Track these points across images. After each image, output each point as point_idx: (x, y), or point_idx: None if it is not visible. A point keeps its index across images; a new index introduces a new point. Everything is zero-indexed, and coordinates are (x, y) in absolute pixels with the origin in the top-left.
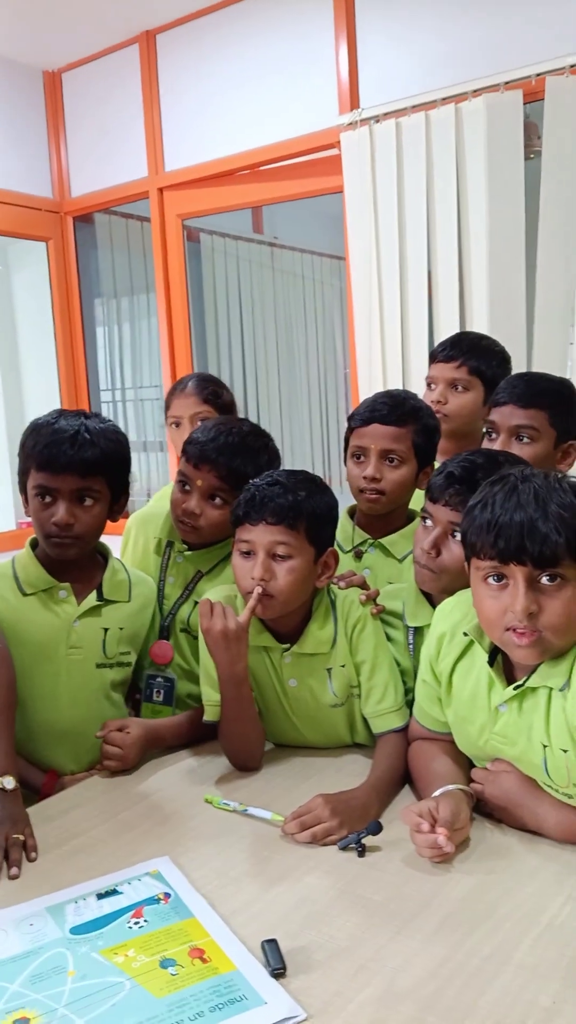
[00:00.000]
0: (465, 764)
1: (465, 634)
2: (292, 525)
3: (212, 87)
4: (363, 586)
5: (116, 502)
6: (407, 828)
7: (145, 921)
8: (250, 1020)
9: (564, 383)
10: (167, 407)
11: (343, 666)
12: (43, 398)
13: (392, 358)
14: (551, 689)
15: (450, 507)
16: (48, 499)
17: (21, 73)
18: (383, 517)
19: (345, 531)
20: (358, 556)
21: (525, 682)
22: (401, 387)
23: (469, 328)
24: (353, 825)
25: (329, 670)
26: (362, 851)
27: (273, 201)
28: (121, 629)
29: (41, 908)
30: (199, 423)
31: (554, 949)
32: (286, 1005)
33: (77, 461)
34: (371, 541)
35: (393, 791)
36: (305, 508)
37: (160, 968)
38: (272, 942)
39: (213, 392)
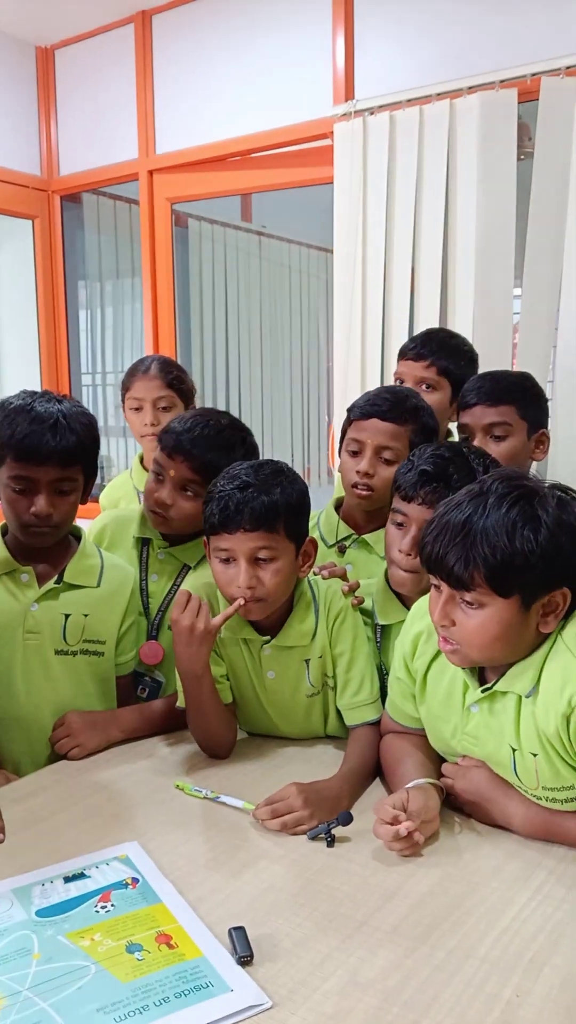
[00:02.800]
0: (435, 759)
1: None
2: (271, 528)
3: (206, 71)
4: (344, 577)
5: (87, 487)
6: (372, 821)
7: (112, 905)
8: (215, 1007)
9: (526, 376)
10: (126, 389)
11: (320, 656)
12: (23, 378)
13: (372, 353)
14: (519, 696)
15: (426, 505)
16: (25, 489)
17: (13, 47)
18: (369, 513)
19: (330, 524)
20: (341, 551)
21: (493, 685)
22: (380, 383)
23: (453, 327)
24: (324, 815)
25: (307, 661)
26: (331, 841)
27: (263, 189)
28: (86, 616)
29: (7, 890)
30: (161, 408)
31: (518, 943)
32: (252, 993)
33: (59, 452)
34: (355, 536)
35: (364, 783)
36: (281, 506)
37: (126, 953)
38: (240, 929)
39: (177, 377)
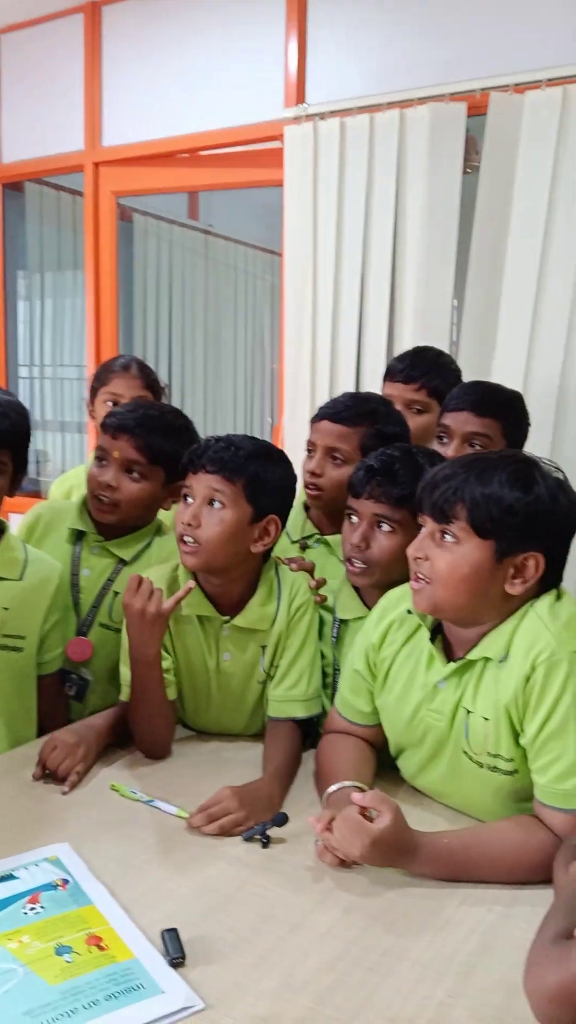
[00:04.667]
0: (370, 763)
1: (409, 612)
2: (230, 477)
3: (157, 66)
4: (311, 572)
5: (16, 477)
6: (308, 822)
7: (41, 907)
8: (146, 1009)
9: (516, 396)
10: (102, 383)
11: (276, 644)
12: None
13: (321, 357)
14: (488, 660)
15: (374, 499)
16: None
17: None
18: (330, 515)
19: (296, 522)
20: (303, 548)
21: (466, 656)
22: (329, 386)
23: (398, 335)
24: (259, 816)
25: (264, 647)
26: (267, 842)
27: (212, 187)
28: (6, 609)
29: None
30: None
31: (451, 946)
32: (183, 995)
33: None
34: (318, 536)
35: (291, 780)
36: (249, 467)
37: (55, 955)
38: (172, 931)
39: (155, 380)
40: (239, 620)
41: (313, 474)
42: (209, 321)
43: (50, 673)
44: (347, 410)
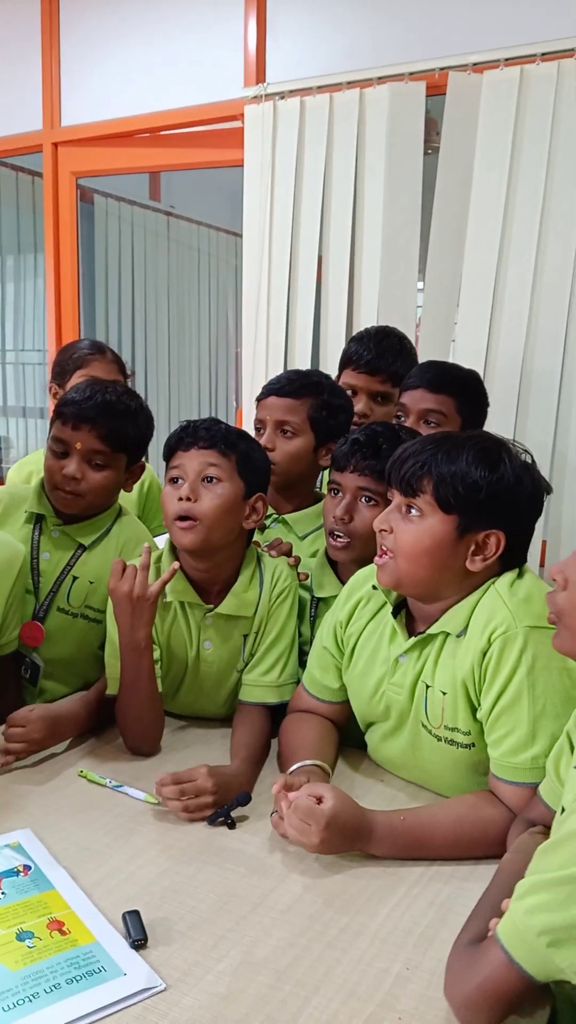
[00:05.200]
0: (333, 742)
1: (374, 587)
2: (223, 452)
3: (116, 44)
4: (288, 554)
5: None
6: (270, 802)
7: (3, 893)
8: (108, 991)
9: (473, 374)
10: (78, 366)
11: (256, 631)
12: None
13: (275, 339)
14: (447, 635)
15: (358, 472)
16: None
17: None
18: (289, 493)
19: None
20: (261, 529)
21: (426, 631)
22: (284, 367)
23: (358, 316)
24: (226, 801)
25: (245, 636)
26: (232, 824)
27: (172, 168)
28: None
29: None
30: None
31: (408, 919)
32: (144, 976)
33: None
34: (275, 516)
35: (261, 766)
36: (239, 444)
37: (16, 941)
38: (134, 913)
39: (124, 365)
40: (222, 608)
41: (266, 449)
42: (172, 304)
43: (6, 655)
44: (291, 384)
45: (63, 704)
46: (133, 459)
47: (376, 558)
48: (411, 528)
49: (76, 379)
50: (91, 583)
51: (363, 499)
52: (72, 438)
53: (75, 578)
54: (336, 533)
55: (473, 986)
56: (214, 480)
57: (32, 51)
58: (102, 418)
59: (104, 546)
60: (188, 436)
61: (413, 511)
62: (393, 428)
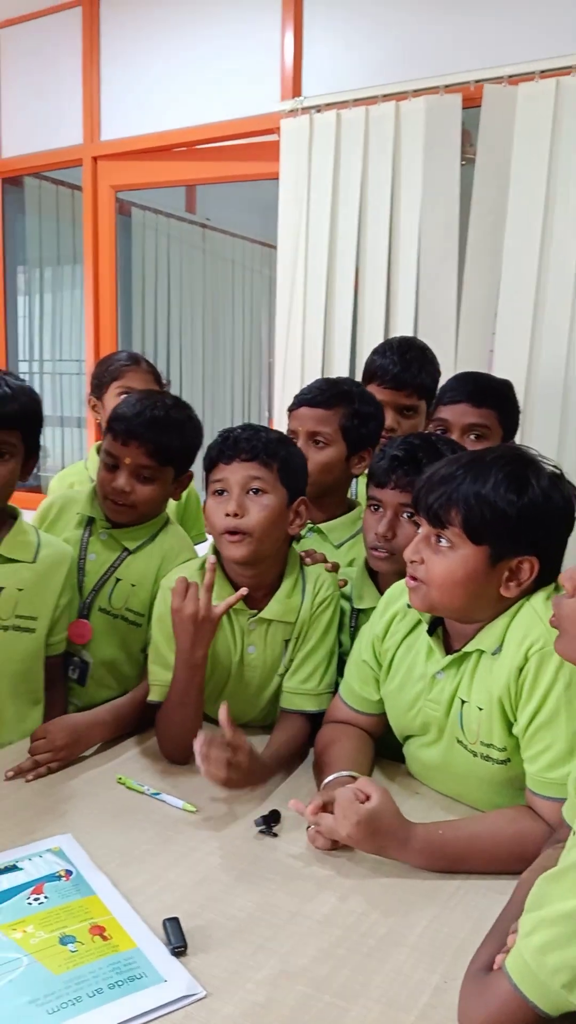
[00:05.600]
0: (368, 753)
1: (409, 606)
2: (266, 462)
3: (154, 60)
4: (324, 561)
5: (26, 463)
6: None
7: (45, 897)
8: (149, 997)
9: (508, 384)
10: (115, 377)
11: (297, 637)
12: None
13: (312, 350)
14: (483, 652)
15: (399, 489)
16: None
17: None
18: (322, 502)
19: None
20: (296, 539)
21: (461, 649)
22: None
23: (395, 327)
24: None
25: (287, 641)
26: (272, 832)
27: (209, 181)
28: (20, 590)
29: None
30: None
31: (446, 931)
32: (185, 983)
33: None
34: (311, 525)
35: (288, 768)
36: (279, 450)
37: (59, 945)
38: (174, 920)
39: (160, 375)
40: (266, 613)
41: None
42: (207, 314)
43: (55, 655)
44: (322, 394)
45: (86, 712)
46: (181, 469)
47: (407, 580)
48: (442, 560)
49: (113, 390)
50: (133, 586)
51: (405, 515)
52: (121, 453)
53: (118, 580)
54: (378, 548)
55: (483, 1017)
56: (259, 492)
57: (73, 67)
58: (150, 434)
59: (148, 551)
60: (229, 448)
61: (442, 542)
62: (431, 441)
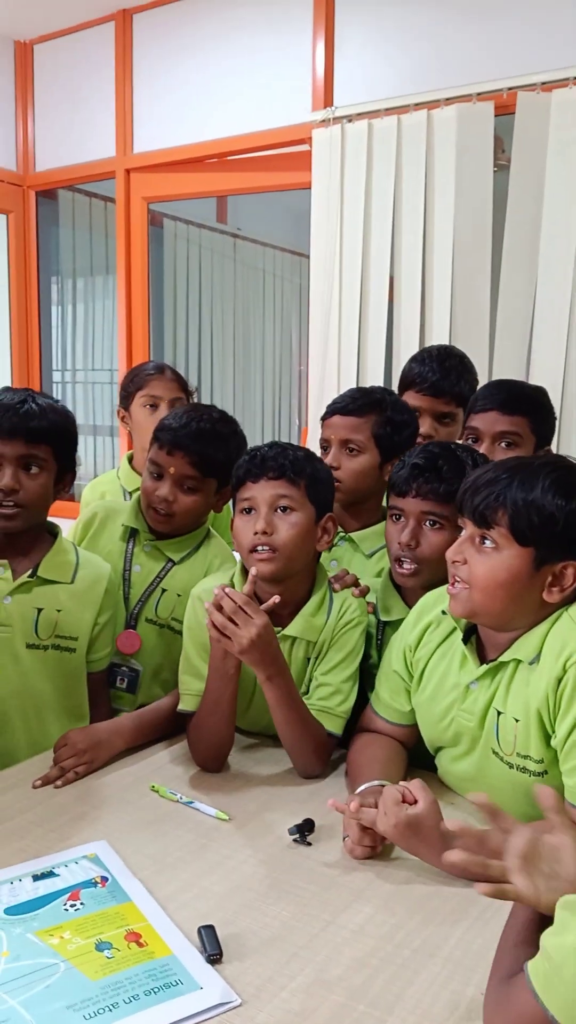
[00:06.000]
0: (401, 763)
1: (444, 612)
2: (293, 480)
3: (186, 72)
4: (356, 585)
5: (61, 479)
6: (341, 820)
7: (81, 904)
8: (185, 1004)
9: (541, 391)
10: (138, 387)
11: (317, 656)
12: None
13: (347, 359)
14: (519, 662)
15: (420, 497)
16: None
17: None
18: (356, 510)
19: None
20: (328, 548)
21: (499, 658)
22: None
23: (431, 336)
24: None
25: (309, 659)
26: (306, 840)
27: (240, 192)
28: (59, 611)
29: None
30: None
31: (480, 942)
32: (220, 990)
33: (23, 428)
34: (342, 534)
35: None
36: (306, 467)
37: (96, 951)
38: (209, 928)
39: (186, 383)
40: (290, 630)
41: (331, 467)
42: (238, 323)
43: (98, 672)
44: (355, 402)
45: (108, 721)
46: (224, 482)
47: (448, 587)
48: (486, 561)
49: (138, 400)
50: (178, 596)
51: (427, 523)
52: (166, 463)
53: (163, 590)
54: (403, 559)
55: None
56: (287, 509)
57: (106, 81)
58: (195, 445)
59: (192, 562)
60: (256, 466)
61: (487, 543)
62: (451, 449)
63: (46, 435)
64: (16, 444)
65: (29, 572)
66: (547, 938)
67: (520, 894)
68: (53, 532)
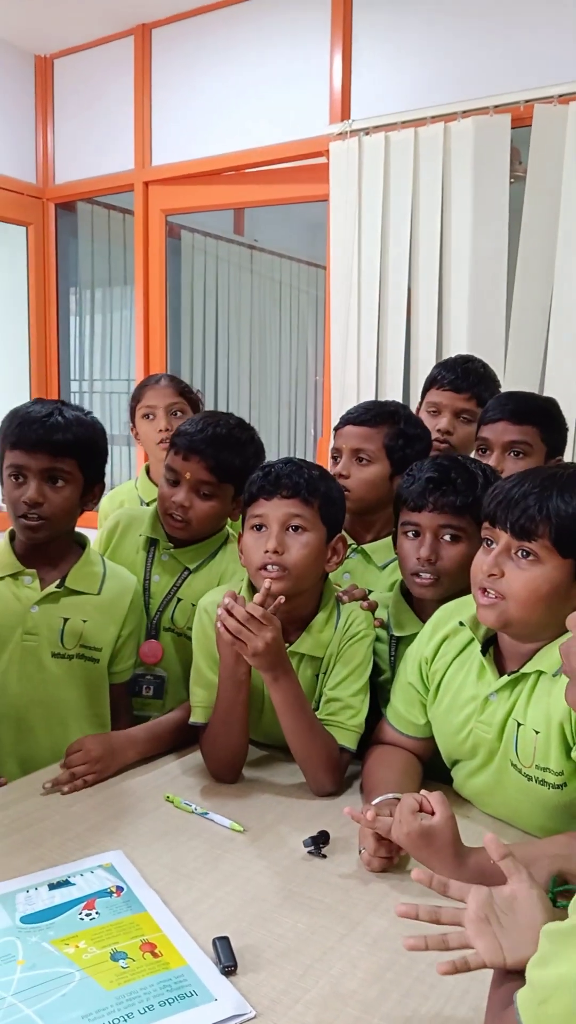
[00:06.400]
0: (416, 776)
1: (461, 623)
2: (307, 500)
3: (204, 86)
4: (364, 599)
5: (89, 491)
6: (356, 832)
7: (97, 913)
8: (199, 1016)
9: (551, 401)
10: (136, 400)
11: (325, 672)
12: (12, 385)
13: (366, 370)
14: (541, 673)
15: (437, 510)
16: (20, 479)
17: (12, 55)
18: (366, 521)
19: None
20: (336, 568)
21: (519, 670)
22: (375, 398)
23: (448, 347)
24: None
25: (318, 676)
26: (321, 853)
27: (258, 204)
28: (84, 621)
29: None
30: (173, 414)
31: None
32: (235, 1002)
33: (47, 441)
34: (354, 546)
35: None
36: (319, 486)
37: (111, 960)
38: (224, 939)
39: (186, 387)
40: (297, 646)
41: (340, 476)
42: (255, 334)
43: (120, 683)
44: (367, 412)
45: (122, 731)
46: (240, 489)
47: (480, 597)
48: (525, 574)
49: (139, 412)
50: (193, 605)
51: (445, 537)
52: (182, 468)
53: (179, 600)
54: (421, 572)
55: None
56: (299, 529)
57: (125, 95)
58: (210, 450)
59: (208, 570)
60: (270, 484)
61: (527, 555)
62: (459, 460)
63: (71, 448)
64: (41, 457)
65: (57, 583)
66: (531, 969)
67: (485, 960)
68: (81, 543)
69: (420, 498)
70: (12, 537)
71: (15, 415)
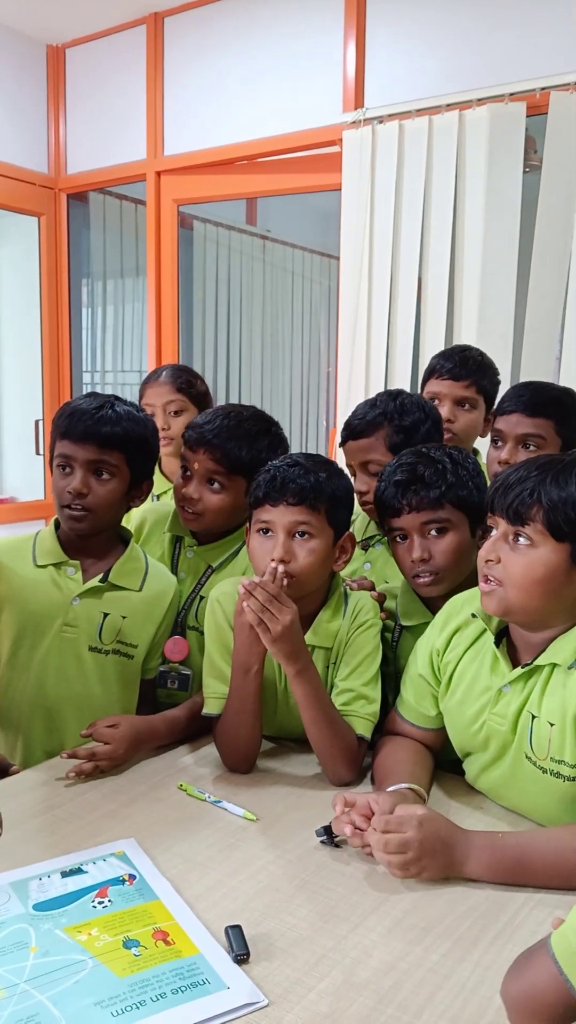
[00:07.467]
0: (428, 767)
1: (473, 615)
2: (313, 506)
3: (217, 75)
4: (371, 589)
5: (136, 487)
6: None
7: (109, 901)
8: (212, 1004)
9: (568, 392)
10: (140, 397)
11: (334, 663)
12: (25, 376)
13: (376, 360)
14: (555, 666)
15: (416, 510)
16: (68, 469)
17: (24, 45)
18: None
19: (360, 523)
20: (364, 548)
21: (533, 662)
22: (384, 388)
23: (458, 337)
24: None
25: (328, 667)
26: (335, 842)
27: (271, 194)
28: (124, 618)
29: (5, 883)
30: (172, 413)
31: (510, 949)
32: (247, 991)
33: (96, 433)
34: (379, 537)
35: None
36: (326, 489)
37: (123, 948)
38: (236, 928)
39: (187, 381)
40: (307, 637)
41: (361, 493)
42: (267, 324)
43: (149, 679)
44: (361, 422)
45: (146, 721)
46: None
47: (481, 584)
48: (521, 558)
49: (142, 408)
50: None
51: (432, 532)
52: (191, 459)
53: (202, 598)
54: (419, 573)
55: (519, 992)
56: (306, 535)
57: (137, 85)
58: (217, 440)
59: (231, 567)
60: (275, 490)
61: (522, 540)
62: (422, 453)
63: (119, 442)
64: (88, 448)
65: (100, 577)
66: (574, 912)
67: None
68: (125, 539)
69: (395, 502)
70: (57, 526)
71: (67, 406)
